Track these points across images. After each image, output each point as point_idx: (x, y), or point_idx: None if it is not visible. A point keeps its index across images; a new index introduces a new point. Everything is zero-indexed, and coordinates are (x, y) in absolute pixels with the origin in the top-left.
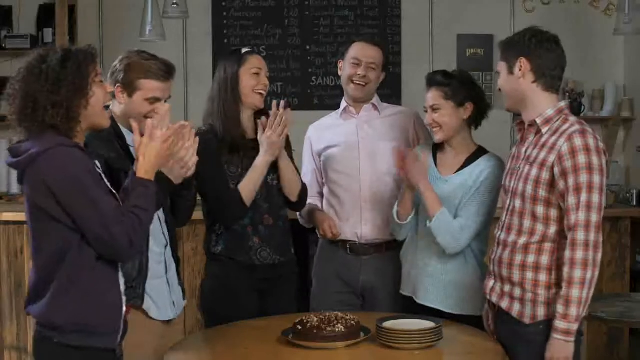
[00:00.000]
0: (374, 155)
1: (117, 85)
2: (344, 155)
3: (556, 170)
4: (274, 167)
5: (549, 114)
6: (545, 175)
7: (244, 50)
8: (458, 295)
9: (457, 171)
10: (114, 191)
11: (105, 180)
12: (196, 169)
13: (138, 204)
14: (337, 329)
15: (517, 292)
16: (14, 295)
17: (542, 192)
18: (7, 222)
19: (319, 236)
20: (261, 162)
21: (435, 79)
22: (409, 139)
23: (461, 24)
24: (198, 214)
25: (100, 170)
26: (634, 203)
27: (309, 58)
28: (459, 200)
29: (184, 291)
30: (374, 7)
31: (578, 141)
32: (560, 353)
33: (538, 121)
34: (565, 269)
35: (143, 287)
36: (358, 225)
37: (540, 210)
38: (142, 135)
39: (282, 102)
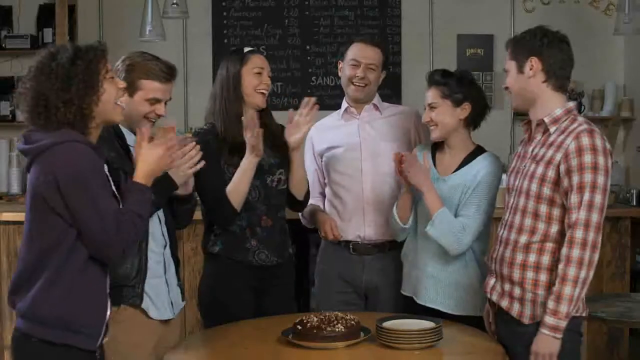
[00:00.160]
0: (375, 156)
1: None
2: (345, 156)
3: (562, 168)
4: (273, 168)
5: (558, 114)
6: (551, 173)
7: (246, 50)
8: (458, 295)
9: (455, 171)
10: (117, 194)
11: (112, 182)
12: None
13: (135, 210)
14: (337, 329)
15: (517, 291)
16: None
17: (547, 191)
18: (7, 222)
19: (320, 237)
20: (247, 164)
21: (434, 78)
22: (410, 139)
23: (461, 24)
24: (198, 214)
25: (107, 172)
26: (634, 203)
27: (309, 58)
28: (458, 200)
29: (182, 292)
30: (374, 7)
31: (585, 140)
32: (546, 348)
33: (546, 120)
34: (560, 266)
35: (142, 287)
36: (361, 226)
37: (543, 209)
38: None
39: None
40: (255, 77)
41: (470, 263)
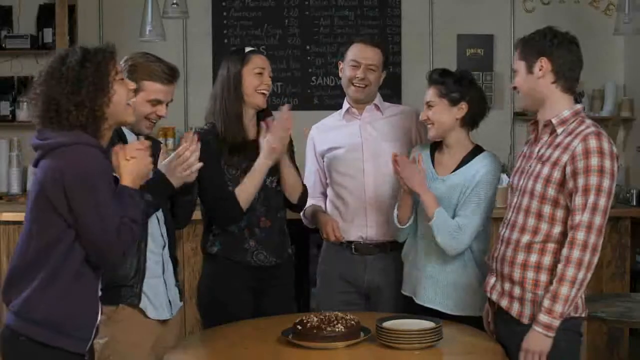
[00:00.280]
0: (377, 156)
1: None
2: (347, 156)
3: (568, 169)
4: (273, 169)
5: (565, 115)
6: (556, 174)
7: (247, 50)
8: (457, 295)
9: (453, 171)
10: None
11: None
12: None
13: (129, 215)
14: (337, 329)
15: (517, 291)
16: None
17: (551, 192)
18: (7, 222)
19: (322, 238)
20: (260, 166)
21: (433, 77)
22: (411, 139)
23: (461, 24)
24: (198, 214)
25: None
26: (634, 203)
27: (309, 58)
28: (457, 200)
29: (180, 292)
30: (374, 7)
31: (593, 143)
32: (537, 346)
33: (554, 121)
34: (560, 266)
35: (140, 286)
36: (363, 226)
37: (546, 209)
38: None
39: (286, 106)
40: (256, 78)
41: (469, 263)
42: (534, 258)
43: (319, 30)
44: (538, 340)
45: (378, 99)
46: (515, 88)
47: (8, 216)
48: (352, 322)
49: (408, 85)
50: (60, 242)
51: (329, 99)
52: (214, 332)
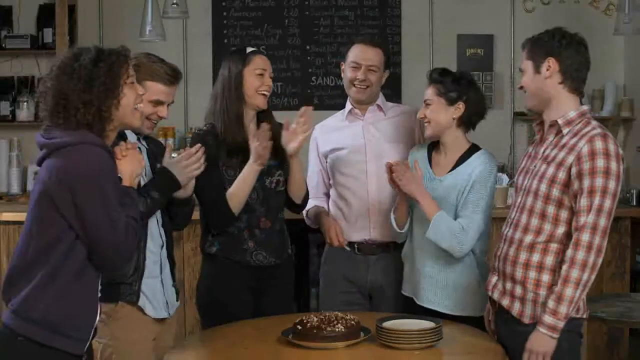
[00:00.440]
0: (380, 158)
1: None
2: (350, 158)
3: (573, 170)
4: (272, 170)
5: (572, 116)
6: (561, 175)
7: (248, 50)
8: (457, 296)
9: (450, 171)
10: None
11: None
12: None
13: (130, 214)
14: (337, 329)
15: (519, 290)
16: None
17: (556, 192)
18: (7, 222)
19: (326, 242)
20: (249, 171)
21: (433, 75)
22: (414, 139)
23: (461, 24)
24: (197, 214)
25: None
26: (634, 203)
27: (309, 58)
28: (455, 200)
29: (177, 293)
30: (374, 7)
31: (599, 144)
32: (541, 347)
33: (560, 122)
34: (564, 267)
35: (139, 284)
36: (366, 228)
37: (550, 210)
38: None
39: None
40: (257, 79)
41: (468, 263)
42: (536, 258)
43: (319, 30)
44: (542, 342)
45: (381, 100)
46: (522, 88)
47: (8, 216)
48: (352, 322)
49: (408, 85)
50: (61, 241)
51: (329, 99)
52: (213, 332)
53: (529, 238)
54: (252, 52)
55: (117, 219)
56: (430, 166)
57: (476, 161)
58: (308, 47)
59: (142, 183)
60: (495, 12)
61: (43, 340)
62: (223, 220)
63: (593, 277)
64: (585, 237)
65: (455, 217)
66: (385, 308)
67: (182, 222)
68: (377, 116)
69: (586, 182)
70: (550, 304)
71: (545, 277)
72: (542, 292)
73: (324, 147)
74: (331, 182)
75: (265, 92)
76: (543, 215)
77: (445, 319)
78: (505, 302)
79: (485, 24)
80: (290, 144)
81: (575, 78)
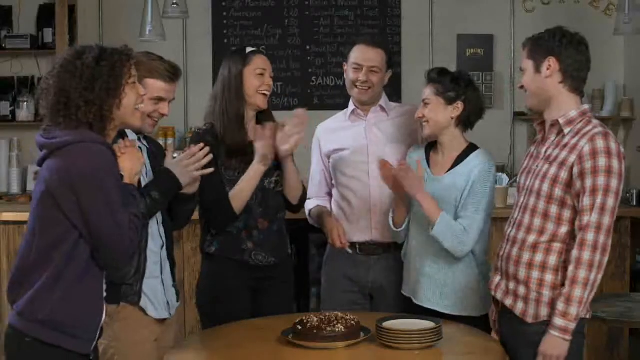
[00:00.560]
0: (382, 159)
1: None
2: (352, 159)
3: (575, 170)
4: (271, 170)
5: (572, 116)
6: (563, 174)
7: (248, 50)
8: (456, 296)
9: (448, 170)
10: None
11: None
12: None
13: (132, 212)
14: (337, 329)
15: (522, 290)
16: None
17: (558, 192)
18: (7, 222)
19: (328, 243)
20: (254, 172)
21: (431, 75)
22: (417, 140)
23: (461, 24)
24: (197, 214)
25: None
26: (634, 203)
27: (309, 58)
28: (454, 200)
29: (177, 293)
30: (374, 7)
31: (600, 143)
32: (554, 350)
33: (561, 121)
34: (571, 268)
35: (140, 285)
36: (367, 228)
37: (553, 209)
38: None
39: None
40: (258, 79)
41: (467, 263)
42: (539, 258)
43: (319, 30)
44: (555, 345)
45: (384, 100)
46: (522, 87)
47: (8, 216)
48: (352, 322)
49: (408, 85)
50: (64, 241)
51: (329, 99)
52: (213, 332)
53: (532, 238)
54: (252, 52)
55: (121, 216)
56: (429, 166)
57: (474, 161)
58: (308, 47)
59: (143, 183)
60: (495, 12)
61: (50, 340)
62: (224, 220)
63: (600, 276)
64: (589, 236)
65: (456, 217)
66: (386, 308)
67: (183, 221)
68: (380, 117)
69: (588, 181)
70: (560, 306)
71: (549, 277)
72: (546, 291)
73: (327, 147)
74: (333, 182)
75: (265, 92)
76: (546, 215)
77: (445, 319)
78: (508, 301)
79: (485, 24)
80: (283, 146)
81: (575, 78)
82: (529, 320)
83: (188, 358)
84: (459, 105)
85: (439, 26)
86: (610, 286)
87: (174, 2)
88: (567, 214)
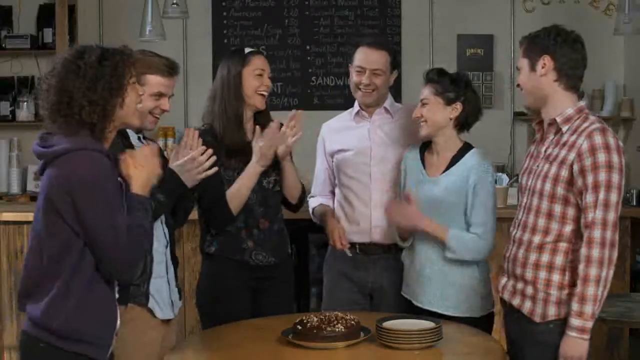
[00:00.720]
0: (385, 161)
1: None
2: (355, 160)
3: (575, 167)
4: (269, 170)
5: (569, 113)
6: (564, 173)
7: (247, 50)
8: (456, 297)
9: (444, 171)
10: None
11: (124, 187)
12: None
13: (139, 223)
14: (337, 329)
15: (529, 290)
16: (14, 296)
17: (561, 190)
18: (7, 222)
19: (329, 244)
20: (252, 171)
21: (430, 75)
22: (420, 142)
23: (461, 24)
24: (197, 213)
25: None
26: (634, 203)
27: (309, 58)
28: (456, 202)
29: (180, 292)
30: (374, 7)
31: (598, 139)
32: (575, 351)
33: (558, 120)
34: (581, 267)
35: (147, 286)
36: (368, 230)
37: (557, 208)
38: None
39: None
40: (256, 79)
41: (467, 264)
42: (545, 258)
43: (319, 30)
44: (575, 345)
45: (389, 102)
46: (518, 85)
47: (8, 216)
48: (352, 322)
49: (408, 85)
50: (71, 250)
51: (329, 99)
52: (214, 332)
53: (537, 238)
54: (250, 52)
55: (119, 224)
56: (424, 167)
57: (470, 161)
58: (308, 47)
59: None
60: (495, 12)
61: (66, 347)
62: (222, 220)
63: (611, 272)
64: (596, 233)
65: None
66: (386, 309)
67: (181, 218)
68: (384, 119)
69: (590, 178)
70: (575, 306)
71: (556, 277)
72: (553, 291)
73: (331, 146)
74: (336, 181)
75: (264, 93)
76: (550, 215)
77: (445, 319)
78: (516, 301)
79: (485, 24)
80: (280, 147)
81: (571, 76)
82: (537, 319)
83: (188, 358)
84: (458, 106)
85: (439, 26)
86: (611, 286)
87: (174, 2)
88: (571, 212)
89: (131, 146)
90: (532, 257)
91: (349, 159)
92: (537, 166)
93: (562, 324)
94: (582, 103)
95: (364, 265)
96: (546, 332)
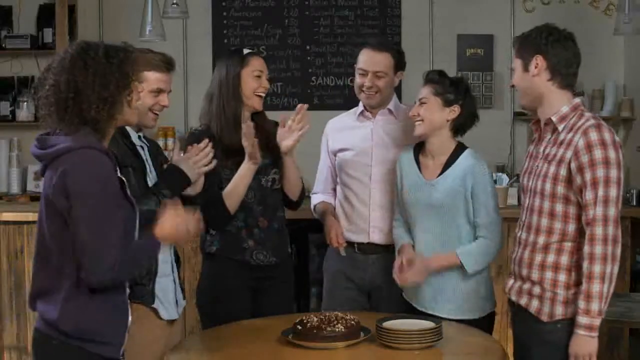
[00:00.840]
0: (386, 163)
1: None
2: (356, 160)
3: (573, 165)
4: (267, 169)
5: (565, 111)
6: (563, 172)
7: (246, 51)
8: (456, 299)
9: (440, 174)
10: (130, 198)
11: (127, 189)
12: None
13: (139, 263)
14: (337, 329)
15: (537, 290)
16: (14, 296)
17: (561, 189)
18: (7, 222)
19: (327, 243)
20: (245, 170)
21: (430, 76)
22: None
23: (461, 24)
24: None
25: (119, 175)
26: (634, 203)
27: (309, 58)
28: (456, 204)
29: (183, 291)
30: (374, 7)
31: (594, 135)
32: (584, 349)
33: (554, 119)
34: (585, 264)
35: (153, 285)
36: (366, 230)
37: (559, 207)
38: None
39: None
40: (255, 80)
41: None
42: (551, 258)
43: (319, 30)
44: (584, 343)
45: (393, 103)
46: (513, 86)
47: (8, 216)
48: (352, 322)
49: (408, 85)
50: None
51: (329, 99)
52: (214, 332)
53: (542, 239)
54: (249, 53)
55: (106, 233)
56: (419, 169)
57: (465, 162)
58: (308, 47)
59: (149, 182)
60: (495, 12)
61: (79, 345)
62: (220, 219)
63: (616, 268)
64: (598, 230)
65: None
66: (384, 307)
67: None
68: (388, 120)
69: (588, 175)
70: (581, 304)
71: (562, 277)
72: (560, 291)
73: (334, 145)
74: (338, 180)
75: (261, 94)
76: (552, 214)
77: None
78: (523, 300)
79: (485, 24)
80: (285, 142)
81: (564, 74)
82: (544, 318)
83: (188, 358)
84: (456, 109)
85: (439, 26)
86: None
87: (174, 2)
88: (572, 210)
89: (133, 145)
90: (538, 258)
91: (350, 159)
92: (537, 166)
93: (570, 323)
94: (578, 100)
95: (362, 264)
96: (554, 332)
